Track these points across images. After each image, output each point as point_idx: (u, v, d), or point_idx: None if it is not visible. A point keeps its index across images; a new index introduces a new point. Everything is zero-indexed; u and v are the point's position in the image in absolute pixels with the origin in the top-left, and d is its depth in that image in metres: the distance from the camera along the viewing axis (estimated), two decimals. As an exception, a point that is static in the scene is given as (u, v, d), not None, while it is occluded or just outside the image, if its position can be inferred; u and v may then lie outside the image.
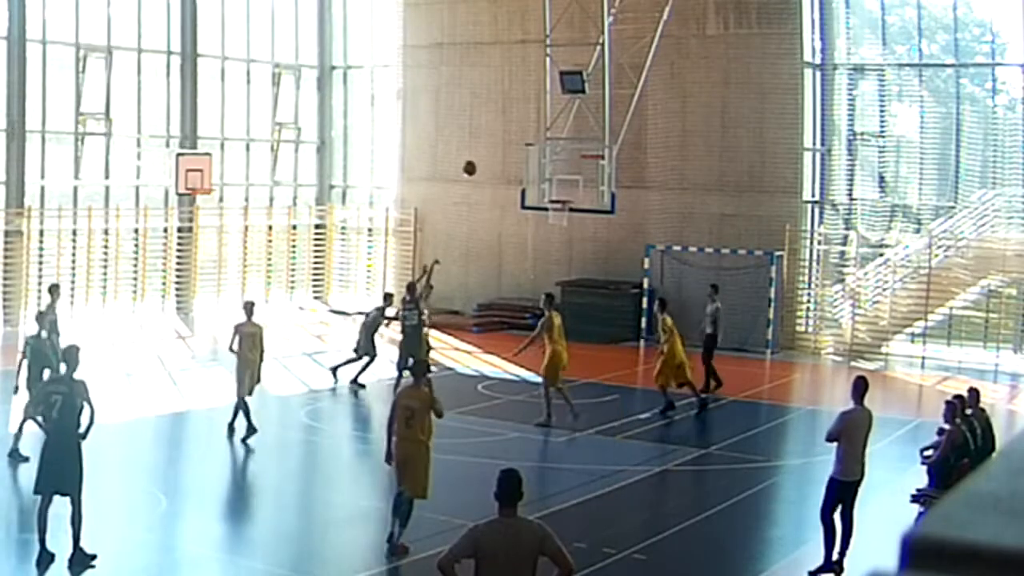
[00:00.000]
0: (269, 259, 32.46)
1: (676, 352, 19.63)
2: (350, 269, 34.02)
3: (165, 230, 29.79)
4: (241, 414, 17.40)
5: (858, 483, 12.21)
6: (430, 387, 12.86)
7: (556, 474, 16.75)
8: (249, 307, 18.09)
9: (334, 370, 21.88)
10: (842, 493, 12.12)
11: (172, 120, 30.00)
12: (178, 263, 29.93)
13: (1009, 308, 26.81)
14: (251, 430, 17.33)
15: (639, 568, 12.33)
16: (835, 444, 12.30)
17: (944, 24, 28.18)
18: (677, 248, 28.66)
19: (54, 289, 18.61)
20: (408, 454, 12.21)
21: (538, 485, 14.61)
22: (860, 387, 12.44)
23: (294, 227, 33.13)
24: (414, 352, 19.26)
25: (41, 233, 27.07)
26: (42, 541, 11.28)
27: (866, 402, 12.45)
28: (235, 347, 17.60)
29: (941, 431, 13.71)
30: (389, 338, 23.28)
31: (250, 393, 17.56)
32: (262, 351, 17.78)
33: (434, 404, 12.29)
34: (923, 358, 26.27)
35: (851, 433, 12.17)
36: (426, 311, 21.94)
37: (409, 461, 12.21)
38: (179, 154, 28.79)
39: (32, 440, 13.66)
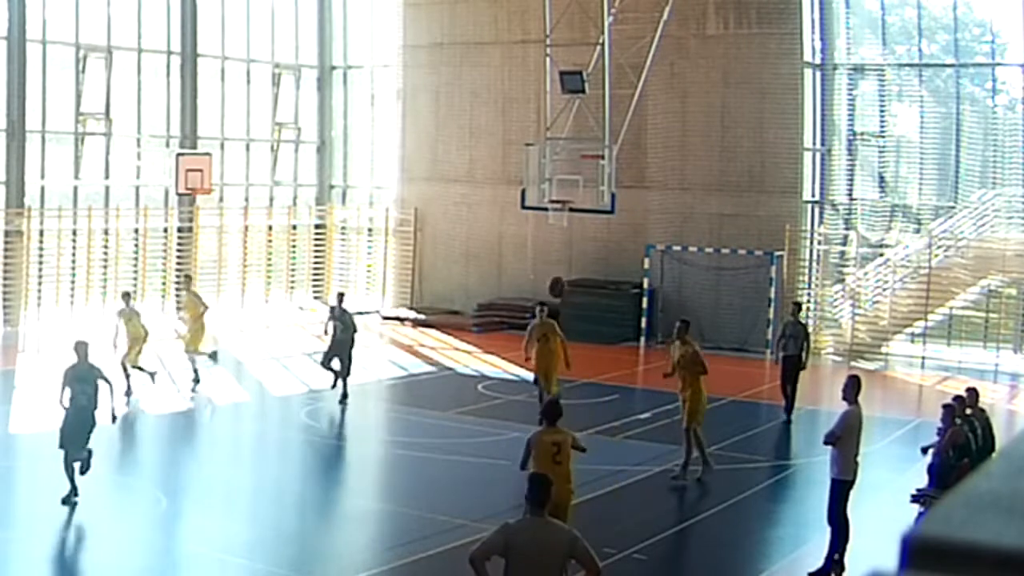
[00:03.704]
0: (269, 259, 32.44)
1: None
2: (350, 269, 34.00)
3: (165, 230, 29.77)
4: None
5: (852, 482, 12.22)
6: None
7: (556, 474, 16.72)
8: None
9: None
10: (845, 492, 12.12)
11: (172, 120, 29.98)
12: (178, 263, 29.91)
13: (1009, 308, 26.80)
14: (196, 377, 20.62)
15: (639, 568, 12.33)
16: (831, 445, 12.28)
17: (944, 24, 28.18)
18: (677, 248, 28.65)
19: None
20: None
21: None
22: (855, 385, 12.40)
23: (294, 227, 33.11)
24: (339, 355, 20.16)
25: (41, 233, 27.04)
26: None
27: (863, 401, 12.45)
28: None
29: (941, 431, 13.70)
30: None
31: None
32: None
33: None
34: (923, 358, 26.27)
35: (850, 433, 12.19)
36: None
37: None
38: (179, 154, 28.76)
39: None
